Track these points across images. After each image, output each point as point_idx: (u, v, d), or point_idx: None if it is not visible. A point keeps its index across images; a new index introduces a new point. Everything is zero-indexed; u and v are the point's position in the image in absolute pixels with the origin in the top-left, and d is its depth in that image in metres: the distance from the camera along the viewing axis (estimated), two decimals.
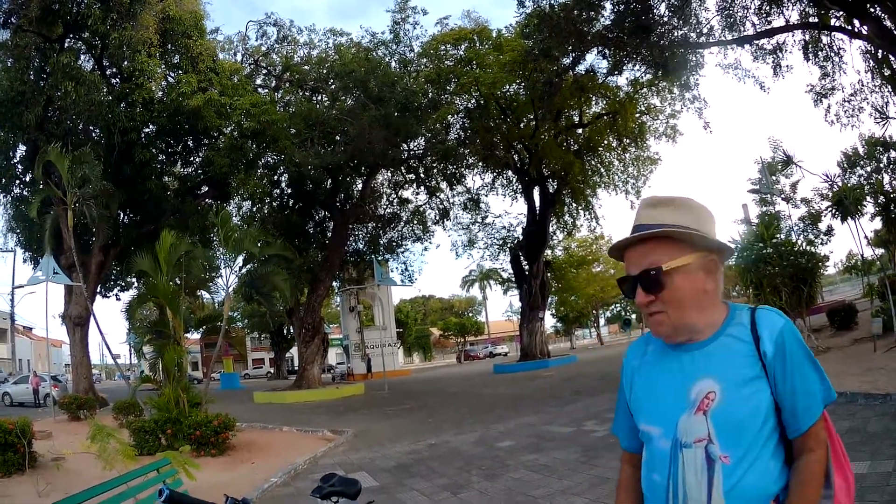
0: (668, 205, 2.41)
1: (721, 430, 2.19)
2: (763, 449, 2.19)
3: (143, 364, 63.10)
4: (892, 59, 25.76)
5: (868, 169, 28.68)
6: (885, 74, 27.12)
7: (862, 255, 29.79)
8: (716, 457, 2.18)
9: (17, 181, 34.99)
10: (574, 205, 47.82)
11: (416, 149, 41.01)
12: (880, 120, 28.05)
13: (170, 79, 34.87)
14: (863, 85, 28.92)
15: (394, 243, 46.60)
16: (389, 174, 44.52)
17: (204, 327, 48.78)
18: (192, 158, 38.57)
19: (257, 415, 26.64)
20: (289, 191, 41.01)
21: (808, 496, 2.17)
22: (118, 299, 43.01)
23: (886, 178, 27.37)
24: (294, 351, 63.11)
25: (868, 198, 26.24)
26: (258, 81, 40.72)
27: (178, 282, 20.27)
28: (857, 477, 8.37)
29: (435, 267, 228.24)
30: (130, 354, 75.61)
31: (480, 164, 44.52)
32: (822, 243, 29.83)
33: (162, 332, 20.62)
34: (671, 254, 2.31)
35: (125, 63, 31.60)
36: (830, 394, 2.31)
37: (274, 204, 41.13)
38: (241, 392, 45.64)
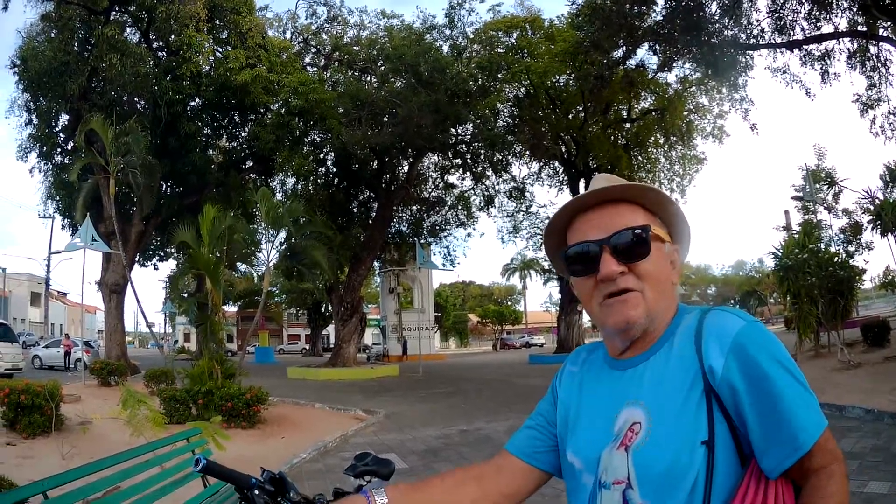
0: (630, 182, 1.92)
1: (642, 473, 1.71)
2: (701, 498, 1.65)
3: (178, 334, 63.68)
4: None
5: None
6: None
7: None
8: None
9: (59, 149, 35.53)
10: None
11: (463, 134, 41.09)
12: None
13: (218, 53, 35.12)
14: None
15: (437, 227, 46.82)
16: (436, 158, 44.56)
17: (242, 300, 48.91)
18: (237, 133, 39.23)
19: (290, 390, 26.69)
20: (334, 169, 41.14)
21: None
22: (156, 269, 43.65)
23: None
24: (331, 329, 63.58)
25: None
26: (307, 60, 40.94)
27: (219, 255, 20.43)
28: (877, 497, 8.55)
29: (477, 253, 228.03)
30: (165, 324, 76.59)
31: (527, 153, 44.18)
32: (861, 254, 29.63)
33: (202, 303, 20.83)
34: (643, 217, 1.88)
35: (172, 37, 32.13)
36: (823, 418, 1.68)
37: (319, 182, 41.38)
38: (275, 367, 45.76)
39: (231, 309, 64.62)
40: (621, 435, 1.78)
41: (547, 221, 1.99)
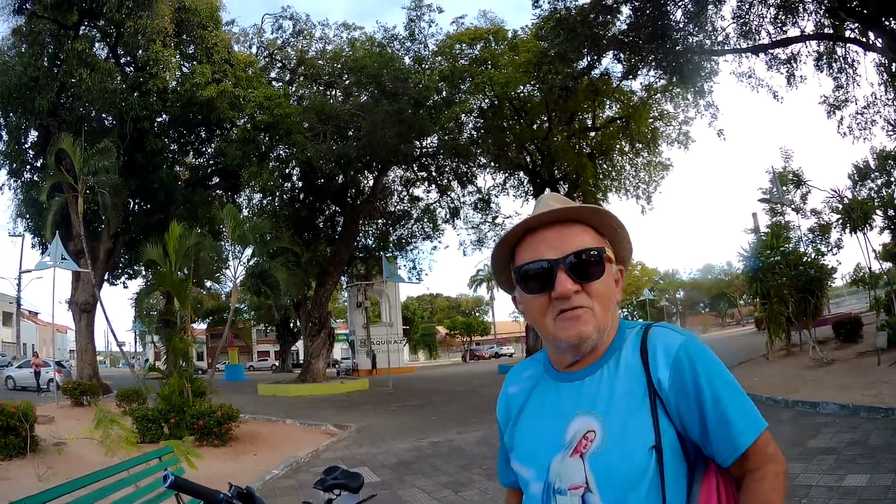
0: (581, 204, 2.01)
1: (601, 478, 1.80)
2: (658, 499, 1.79)
3: (149, 352, 63.37)
4: None
5: (879, 182, 28.68)
6: None
7: (869, 269, 29.70)
8: None
9: (28, 166, 35.18)
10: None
11: (428, 146, 40.91)
12: (893, 133, 28.03)
13: (184, 69, 35.05)
14: (876, 98, 28.94)
15: (403, 240, 46.67)
16: (401, 171, 44.44)
17: (210, 318, 48.56)
18: (203, 149, 39.03)
19: (261, 407, 26.74)
20: (300, 184, 40.99)
21: None
22: (125, 287, 43.22)
23: None
24: (300, 344, 63.39)
25: (878, 211, 26.21)
26: (272, 75, 40.90)
27: (187, 272, 20.36)
28: (857, 489, 8.49)
29: (443, 265, 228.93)
30: (136, 342, 75.98)
31: (492, 163, 44.06)
32: (832, 253, 29.88)
33: (169, 321, 20.77)
34: (595, 239, 1.97)
35: (140, 52, 32.10)
36: (762, 420, 1.86)
37: (284, 197, 41.07)
38: (246, 384, 45.73)
39: (200, 326, 64.25)
40: (574, 443, 1.86)
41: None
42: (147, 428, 16.70)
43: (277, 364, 78.33)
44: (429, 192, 46.16)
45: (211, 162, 38.83)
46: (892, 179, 27.48)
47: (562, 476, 1.86)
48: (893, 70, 26.64)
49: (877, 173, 28.86)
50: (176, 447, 9.37)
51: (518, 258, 1.98)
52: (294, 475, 13.50)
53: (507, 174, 46.67)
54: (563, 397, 1.97)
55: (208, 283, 44.72)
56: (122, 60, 34.67)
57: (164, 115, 34.49)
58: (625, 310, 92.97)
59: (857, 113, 29.39)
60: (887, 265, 33.69)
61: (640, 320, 2.26)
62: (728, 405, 1.80)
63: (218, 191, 39.98)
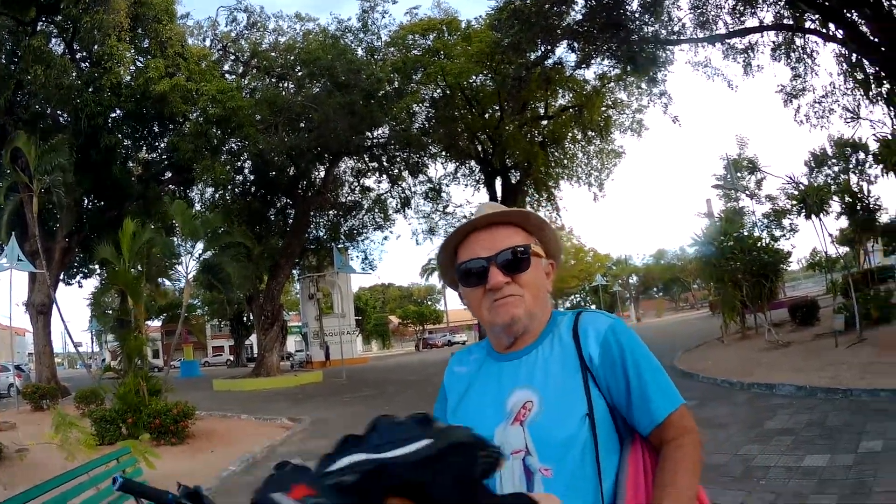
0: (511, 209, 2.30)
1: (540, 442, 2.01)
2: (592, 462, 2.00)
3: (106, 352, 62.75)
4: (866, 63, 25.98)
5: (836, 169, 28.96)
6: (858, 78, 27.36)
7: (826, 253, 30.03)
8: (535, 469, 2.01)
9: None
10: (536, 196, 47.64)
11: (379, 137, 40.85)
12: (851, 120, 28.32)
13: (138, 63, 34.53)
14: (834, 87, 29.23)
15: (354, 231, 46.61)
16: (352, 162, 44.34)
17: (165, 315, 47.97)
18: (156, 144, 38.53)
19: (217, 403, 26.55)
20: (252, 177, 40.72)
21: (676, 483, 1.94)
22: (81, 286, 42.55)
23: (854, 179, 27.66)
24: (254, 338, 62.98)
25: (834, 197, 26.48)
26: (226, 67, 40.46)
27: (140, 269, 20.15)
28: (817, 469, 8.55)
29: (395, 255, 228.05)
30: (92, 343, 75.05)
31: (443, 153, 44.28)
32: (786, 238, 30.15)
33: (124, 320, 20.53)
34: (523, 238, 2.22)
35: (95, 47, 31.44)
36: (678, 397, 2.11)
37: (236, 190, 40.75)
38: (201, 380, 45.28)
39: (155, 324, 63.61)
40: (514, 413, 2.07)
41: (464, 219, 2.53)
42: (105, 429, 16.46)
43: (232, 359, 77.91)
44: (380, 182, 46.27)
45: (164, 157, 38.37)
46: (850, 166, 27.72)
47: (504, 443, 2.03)
48: (853, 60, 26.90)
49: (834, 160, 29.13)
50: (133, 447, 9.28)
51: (459, 258, 2.24)
52: (251, 471, 13.42)
53: (458, 163, 46.63)
54: (504, 374, 2.18)
55: (167, 283, 44.23)
56: (78, 56, 34.08)
57: (117, 111, 34.04)
58: (577, 295, 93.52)
59: (815, 102, 29.68)
60: (844, 249, 34.11)
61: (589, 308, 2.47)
62: (649, 381, 2.04)
63: (171, 186, 39.48)
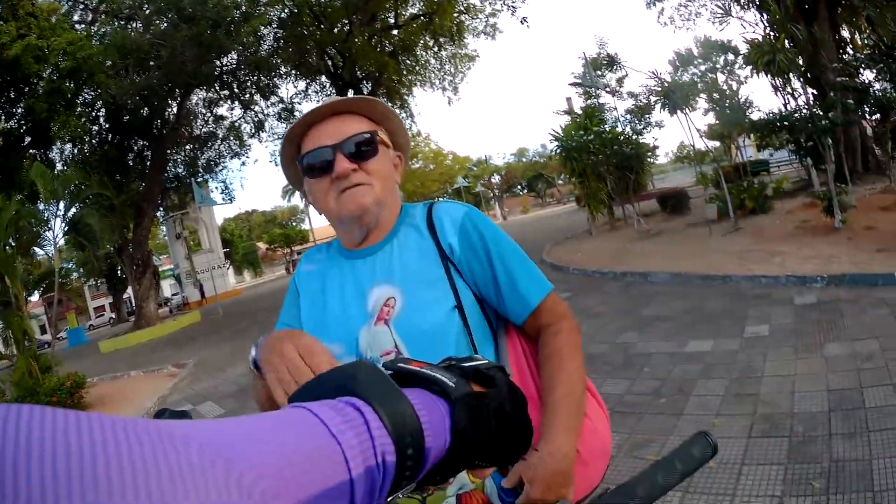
0: (356, 97, 2.12)
1: (409, 340, 1.94)
2: (469, 353, 1.92)
3: None
4: None
5: (703, 69, 29.33)
6: None
7: (693, 146, 30.51)
8: None
9: None
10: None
11: (228, 64, 40.17)
12: (720, 18, 28.54)
13: None
14: None
15: (212, 163, 45.93)
16: (204, 93, 43.44)
17: (42, 286, 46.14)
18: (13, 111, 36.54)
19: (106, 365, 26.04)
20: (107, 126, 39.20)
21: (564, 367, 1.91)
22: None
23: (722, 78, 28.04)
24: (131, 291, 62.07)
25: (702, 94, 26.89)
26: (76, 18, 38.35)
27: (12, 244, 19.26)
28: (702, 355, 8.79)
29: (255, 181, 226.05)
30: None
31: (293, 72, 44.02)
32: (648, 132, 30.59)
33: (5, 302, 19.88)
34: (369, 127, 2.11)
35: None
36: (547, 282, 2.09)
37: (94, 142, 39.16)
38: (89, 345, 44.42)
39: (35, 298, 61.82)
40: (376, 311, 1.99)
41: None
42: None
43: (115, 316, 76.09)
44: (232, 109, 46.39)
45: (21, 122, 36.54)
46: (718, 67, 28.10)
47: (371, 345, 1.97)
48: None
49: (700, 60, 29.48)
50: None
51: (303, 150, 2.10)
52: None
53: (308, 81, 46.24)
54: (359, 272, 2.11)
55: (34, 250, 42.72)
56: None
57: None
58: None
59: (680, 5, 29.83)
60: (714, 144, 34.91)
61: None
62: (515, 268, 2.02)
63: (31, 150, 37.73)
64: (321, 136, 2.04)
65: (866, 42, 23.47)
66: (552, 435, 1.76)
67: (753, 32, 28.33)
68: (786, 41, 22.43)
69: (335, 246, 2.27)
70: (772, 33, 23.82)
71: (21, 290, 18.86)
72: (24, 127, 36.03)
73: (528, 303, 1.99)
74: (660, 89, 25.43)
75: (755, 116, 25.04)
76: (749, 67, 21.79)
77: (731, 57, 26.77)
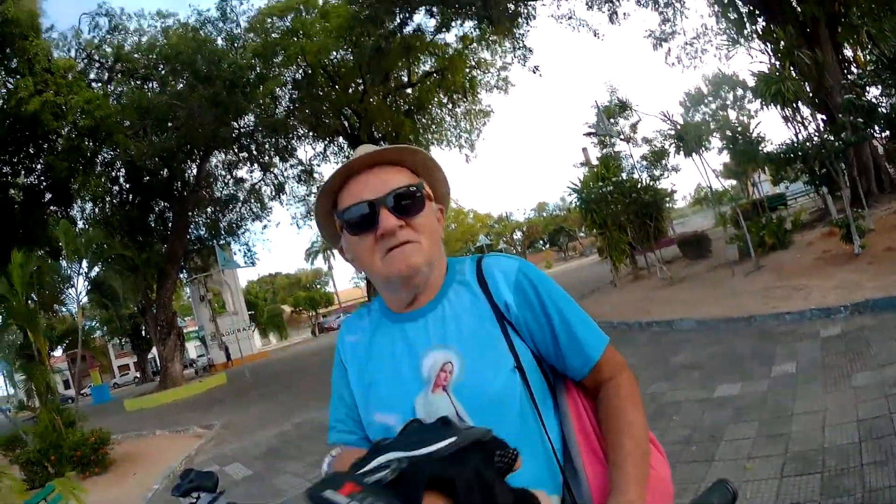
0: (396, 145, 2.04)
1: (470, 407, 1.84)
2: (533, 417, 1.87)
3: (20, 392, 61.15)
4: (739, 2, 26.41)
5: (714, 106, 29.51)
6: (732, 18, 27.79)
7: (710, 187, 30.61)
8: None
9: None
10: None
11: (246, 126, 40.40)
12: (729, 45, 28.71)
13: (9, 85, 33.24)
14: (707, 28, 29.71)
15: (234, 225, 45.90)
16: (223, 155, 43.78)
17: (66, 342, 46.28)
18: (33, 166, 36.97)
19: (131, 423, 26.16)
20: (127, 186, 39.44)
21: (629, 421, 1.86)
22: None
23: (733, 114, 28.19)
24: (155, 350, 62.26)
25: (715, 133, 27.01)
26: (92, 76, 38.73)
27: (35, 299, 19.58)
28: (731, 399, 8.60)
29: (278, 243, 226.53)
30: (6, 384, 72.68)
31: (310, 133, 44.32)
32: (666, 178, 30.73)
33: (29, 355, 20.08)
34: (412, 179, 2.02)
35: None
36: (603, 334, 2.02)
37: (114, 201, 39.55)
38: (114, 403, 44.55)
39: (59, 353, 61.99)
40: (432, 378, 1.88)
41: None
42: (34, 472, 15.93)
43: (139, 375, 75.98)
44: (252, 171, 45.89)
45: (42, 178, 36.86)
46: (728, 103, 28.28)
47: (430, 414, 1.83)
48: (725, 1, 27.28)
49: (710, 98, 29.69)
50: (58, 485, 8.98)
51: (341, 205, 1.99)
52: (172, 486, 13.12)
53: (326, 142, 46.53)
54: (410, 336, 1.97)
55: (59, 308, 43.13)
56: None
57: None
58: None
59: (686, 44, 30.15)
60: (730, 183, 34.91)
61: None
62: (574, 321, 1.93)
63: (52, 207, 37.94)
64: (362, 190, 1.94)
65: (869, 58, 23.45)
66: (624, 488, 1.74)
67: (760, 63, 28.55)
68: (790, 69, 22.54)
69: (378, 308, 2.16)
70: (776, 62, 23.93)
71: (44, 344, 19.07)
72: (45, 183, 36.46)
73: (589, 357, 1.93)
74: (673, 132, 25.60)
75: (768, 150, 25.14)
76: (758, 100, 21.87)
77: (739, 91, 26.91)
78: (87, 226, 36.13)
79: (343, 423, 2.17)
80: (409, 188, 1.93)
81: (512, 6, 28.34)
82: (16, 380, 27.03)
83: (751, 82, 23.55)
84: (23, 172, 36.91)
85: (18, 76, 32.29)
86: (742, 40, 26.77)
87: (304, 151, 47.26)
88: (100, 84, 38.20)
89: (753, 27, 26.57)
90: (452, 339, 1.89)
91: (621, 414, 1.86)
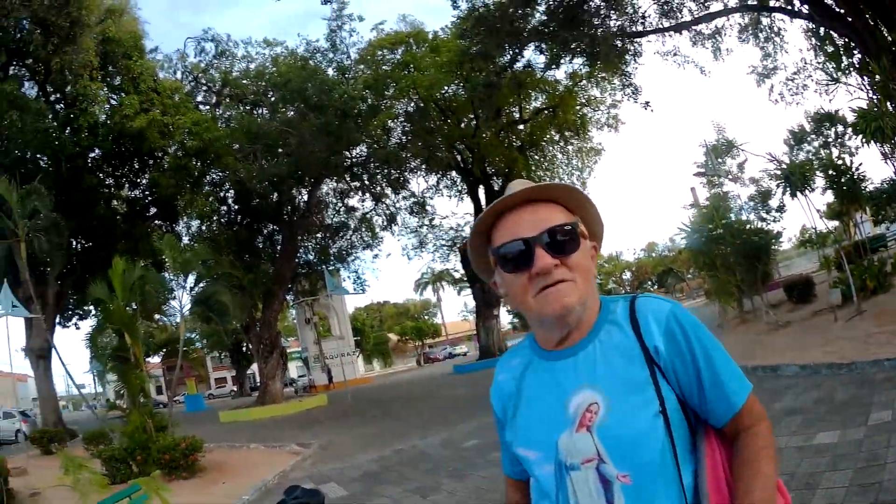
0: (551, 182, 2.05)
1: (612, 447, 1.84)
2: (672, 463, 1.86)
3: (109, 392, 62.56)
4: (835, 35, 26.06)
5: (816, 144, 29.04)
6: (829, 51, 27.43)
7: (815, 229, 30.00)
8: (612, 477, 1.85)
9: None
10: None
11: (358, 156, 41.03)
12: (829, 86, 28.22)
13: (112, 101, 34.64)
14: (806, 63, 29.35)
15: (343, 252, 46.38)
16: (334, 183, 44.27)
17: (164, 350, 47.05)
18: (138, 181, 38.41)
19: (224, 434, 26.50)
20: (235, 207, 40.63)
21: (761, 472, 1.84)
22: (78, 328, 42.22)
23: (835, 152, 27.72)
24: (255, 367, 62.93)
25: (818, 172, 26.62)
26: (199, 98, 40.39)
27: (135, 307, 20.17)
28: (829, 447, 8.59)
29: (387, 273, 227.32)
30: (95, 383, 74.36)
31: (423, 166, 44.53)
32: (774, 220, 30.24)
33: (123, 358, 20.52)
34: (566, 216, 1.99)
35: (68, 88, 31.72)
36: (748, 382, 1.99)
37: (222, 221, 40.66)
38: (207, 413, 45.38)
39: (155, 360, 63.27)
40: (578, 417, 1.88)
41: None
42: (116, 468, 16.46)
43: (236, 389, 77.51)
44: (363, 200, 46.16)
45: (146, 193, 38.23)
46: (829, 140, 27.80)
47: (572, 452, 1.89)
48: (822, 34, 26.96)
49: (812, 136, 29.22)
50: (145, 484, 9.26)
51: (495, 241, 1.99)
52: (264, 499, 13.34)
53: (439, 175, 46.94)
54: (559, 375, 1.98)
55: (157, 317, 44.17)
56: (52, 98, 34.17)
57: (96, 150, 34.05)
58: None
59: (788, 79, 29.81)
60: (833, 224, 34.11)
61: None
62: (721, 368, 1.91)
63: (156, 221, 39.43)
64: (516, 227, 1.94)
65: None
66: None
67: (859, 99, 27.99)
68: (888, 104, 22.03)
69: (529, 346, 2.16)
70: (874, 97, 23.37)
71: (140, 350, 19.58)
72: (149, 198, 37.60)
73: (732, 404, 1.92)
74: (779, 172, 25.26)
75: (870, 188, 24.62)
76: (859, 137, 21.43)
77: (840, 128, 26.45)
78: (192, 242, 37.15)
79: (507, 457, 2.27)
80: (565, 226, 1.93)
81: (619, 43, 28.29)
82: (107, 380, 27.76)
83: (851, 118, 23.08)
84: (126, 186, 38.11)
85: (122, 93, 33.62)
86: (840, 74, 26.29)
87: (417, 184, 47.26)
88: (207, 107, 39.62)
89: (850, 60, 26.16)
90: (600, 380, 1.90)
91: (754, 463, 1.87)
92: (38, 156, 32.88)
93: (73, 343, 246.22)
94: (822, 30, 26.66)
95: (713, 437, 1.96)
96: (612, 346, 1.94)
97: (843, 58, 26.47)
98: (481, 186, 45.69)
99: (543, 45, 29.98)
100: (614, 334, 1.96)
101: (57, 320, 36.30)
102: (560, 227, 1.92)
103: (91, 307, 38.38)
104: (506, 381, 2.19)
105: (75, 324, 42.03)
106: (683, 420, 1.92)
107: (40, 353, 32.73)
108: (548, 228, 1.90)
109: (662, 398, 1.86)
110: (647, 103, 34.79)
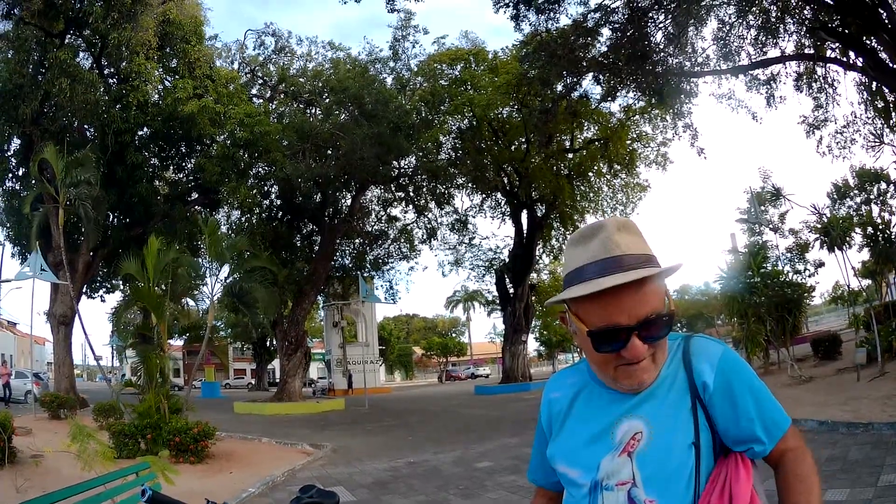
0: (627, 230, 2.00)
1: (647, 474, 1.92)
2: (692, 488, 1.91)
3: (126, 367, 62.86)
4: (886, 91, 25.86)
5: (858, 200, 28.83)
6: (878, 107, 27.22)
7: (848, 286, 29.80)
8: (640, 500, 1.92)
9: (10, 175, 34.65)
10: (562, 229, 47.44)
11: (406, 167, 41.19)
12: (875, 144, 28.04)
13: (166, 83, 35.03)
14: (856, 117, 29.07)
15: (380, 260, 46.54)
16: (379, 191, 44.51)
17: (187, 335, 47.19)
18: (183, 164, 38.83)
19: (237, 425, 26.52)
20: (278, 202, 40.84)
21: (812, 492, 1.96)
22: (103, 301, 42.54)
23: (876, 210, 27.52)
24: (276, 363, 63.02)
25: (857, 229, 26.38)
26: (253, 91, 40.75)
27: (164, 288, 20.22)
28: None
29: (420, 286, 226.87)
30: (113, 357, 74.85)
31: (469, 185, 44.31)
32: (809, 274, 30.03)
33: (146, 336, 20.60)
34: (661, 292, 1.97)
35: (123, 64, 31.95)
36: (788, 417, 2.08)
37: (262, 215, 40.72)
38: (222, 401, 45.58)
39: (177, 343, 63.67)
40: (623, 443, 1.98)
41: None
42: (124, 443, 16.60)
43: (254, 382, 77.81)
44: (406, 212, 46.37)
45: (190, 177, 38.69)
46: (871, 197, 27.58)
47: (610, 474, 1.97)
48: (873, 88, 26.76)
49: (856, 191, 29.01)
50: (153, 462, 9.32)
51: (586, 314, 1.94)
52: (270, 493, 13.39)
53: (484, 195, 46.70)
54: (612, 402, 2.06)
55: (190, 303, 44.40)
56: (106, 72, 34.56)
57: (145, 129, 34.36)
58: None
59: (837, 132, 29.55)
60: (866, 282, 33.81)
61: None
62: (766, 403, 2.02)
63: (197, 206, 39.71)
64: (616, 311, 1.88)
65: None
66: None
67: None
68: None
69: (585, 371, 2.20)
70: None
71: (165, 331, 19.67)
72: (193, 183, 38.01)
73: (779, 427, 2.02)
74: (819, 226, 25.06)
75: None
76: None
77: (883, 186, 26.21)
78: (230, 232, 37.40)
79: (540, 466, 2.36)
80: (662, 318, 1.92)
81: (678, 81, 28.11)
82: (125, 356, 28.01)
83: (894, 175, 22.87)
84: (171, 168, 38.42)
85: (177, 76, 34.07)
86: (887, 131, 26.05)
87: (461, 201, 47.18)
88: (260, 100, 39.87)
89: None
90: (648, 412, 1.99)
91: (804, 484, 1.98)
92: (86, 126, 33.21)
93: (95, 315, 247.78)
94: (874, 84, 26.47)
95: (729, 463, 2.00)
96: (664, 381, 2.03)
97: (893, 114, 26.27)
98: (525, 210, 45.57)
99: (602, 77, 29.86)
100: (667, 370, 2.04)
101: (84, 290, 36.60)
102: (657, 317, 1.90)
103: (119, 282, 38.70)
104: (558, 399, 2.26)
105: (101, 296, 42.51)
106: (712, 453, 1.97)
107: (63, 319, 33.02)
108: (645, 317, 1.88)
109: (698, 431, 1.95)
110: (702, 150, 34.65)
